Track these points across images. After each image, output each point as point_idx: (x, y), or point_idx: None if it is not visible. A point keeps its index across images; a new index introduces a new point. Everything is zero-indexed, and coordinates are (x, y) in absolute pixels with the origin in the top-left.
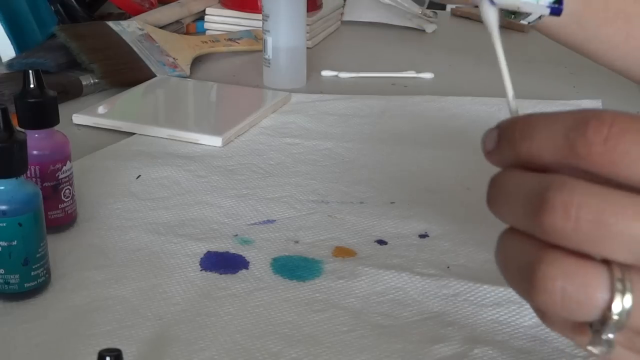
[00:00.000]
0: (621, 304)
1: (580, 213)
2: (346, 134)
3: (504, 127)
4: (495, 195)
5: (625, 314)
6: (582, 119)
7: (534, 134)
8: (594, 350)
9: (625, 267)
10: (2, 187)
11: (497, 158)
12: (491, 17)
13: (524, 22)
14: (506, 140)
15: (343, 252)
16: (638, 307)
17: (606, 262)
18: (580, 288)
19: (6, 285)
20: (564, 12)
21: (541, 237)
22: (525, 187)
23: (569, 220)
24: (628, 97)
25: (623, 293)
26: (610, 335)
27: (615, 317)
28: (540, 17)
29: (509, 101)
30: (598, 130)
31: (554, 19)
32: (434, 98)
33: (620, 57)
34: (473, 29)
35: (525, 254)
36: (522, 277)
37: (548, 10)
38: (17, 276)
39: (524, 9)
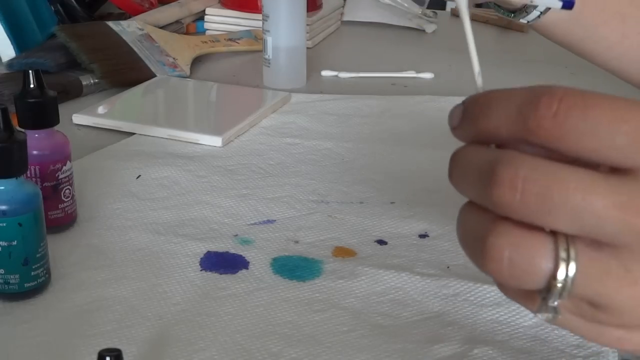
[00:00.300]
0: (565, 272)
1: (526, 186)
2: (346, 134)
3: (467, 103)
4: (454, 169)
5: (569, 281)
6: (535, 94)
7: (491, 109)
8: (541, 316)
9: (571, 237)
10: (2, 187)
11: (460, 134)
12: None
13: (523, 21)
14: (468, 117)
15: (343, 252)
16: (582, 275)
17: (553, 233)
18: (526, 257)
19: (6, 285)
20: (563, 11)
21: (493, 209)
22: (479, 161)
23: (516, 193)
24: (628, 97)
25: (567, 262)
26: (556, 302)
27: (559, 285)
28: (539, 16)
29: (475, 77)
30: (548, 105)
31: (552, 18)
32: (434, 98)
33: (615, 58)
34: (473, 29)
35: (479, 225)
36: (476, 247)
37: (560, 4)
38: (17, 276)
39: (538, 1)
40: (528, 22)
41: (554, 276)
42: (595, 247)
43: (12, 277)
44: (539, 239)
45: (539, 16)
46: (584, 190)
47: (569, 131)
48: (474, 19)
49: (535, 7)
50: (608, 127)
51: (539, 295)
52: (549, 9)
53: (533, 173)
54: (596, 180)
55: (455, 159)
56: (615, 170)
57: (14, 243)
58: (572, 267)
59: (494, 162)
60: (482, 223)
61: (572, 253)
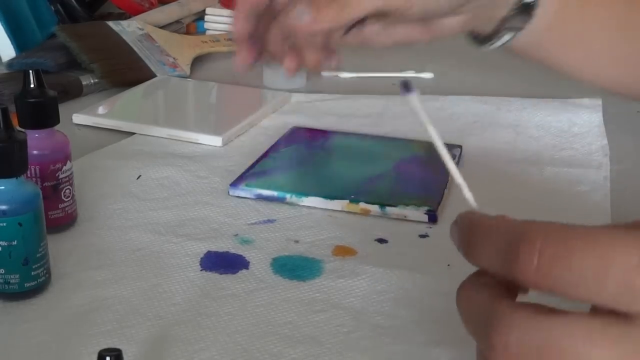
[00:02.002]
0: None
1: (521, 350)
2: None
3: (457, 235)
4: (460, 301)
5: None
6: (513, 242)
7: (478, 249)
8: None
9: None
10: (2, 187)
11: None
12: (414, 103)
13: (493, 47)
14: (462, 247)
15: (343, 252)
16: None
17: None
18: None
19: (6, 285)
20: (527, 37)
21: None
22: (476, 309)
23: (511, 358)
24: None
25: None
26: None
27: None
28: (510, 40)
29: (469, 202)
30: (529, 258)
31: (519, 43)
32: (434, 98)
33: (589, 75)
34: None
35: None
36: None
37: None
38: (17, 276)
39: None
40: (501, 45)
41: None
42: None
43: (12, 277)
44: None
45: (509, 40)
46: (580, 350)
47: (555, 282)
48: None
49: (508, 30)
50: (595, 276)
51: None
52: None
53: (526, 336)
54: (594, 332)
55: (458, 293)
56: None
57: (14, 243)
58: None
59: (488, 321)
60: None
61: None
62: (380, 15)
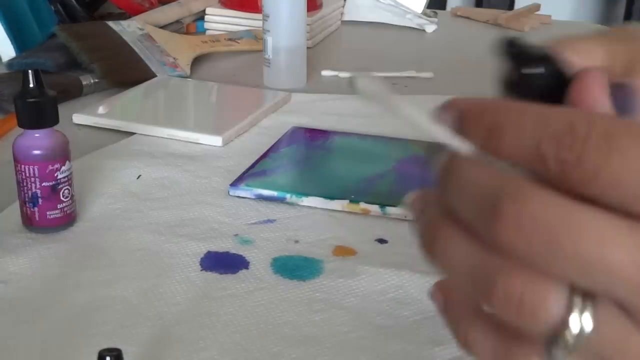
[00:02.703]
0: (579, 324)
1: (533, 228)
2: None
3: (467, 113)
4: (449, 183)
5: (582, 337)
6: (554, 131)
7: (502, 135)
8: None
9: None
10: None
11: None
12: (369, 87)
13: None
14: (472, 132)
15: (343, 251)
16: (597, 333)
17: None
18: (538, 299)
19: None
20: None
21: (492, 245)
22: (481, 185)
23: (520, 234)
24: None
25: (581, 312)
26: (561, 353)
27: (569, 338)
28: None
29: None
30: (571, 147)
31: None
32: (434, 98)
33: None
34: (473, 29)
35: (482, 256)
36: (477, 279)
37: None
38: None
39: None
40: None
41: (565, 325)
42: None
43: None
44: (553, 282)
45: None
46: (599, 241)
47: (606, 176)
48: (474, 18)
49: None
50: None
51: (543, 343)
52: None
53: (542, 212)
54: (617, 228)
55: (452, 170)
56: None
57: None
58: (588, 320)
59: (499, 192)
60: (487, 256)
61: (588, 305)
62: None
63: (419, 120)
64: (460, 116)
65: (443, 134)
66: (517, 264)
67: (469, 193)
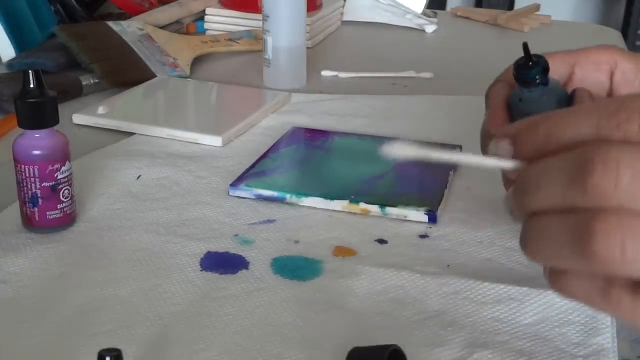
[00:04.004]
0: None
1: (621, 169)
2: None
3: (520, 132)
4: (527, 183)
5: None
6: (610, 112)
7: (562, 134)
8: None
9: None
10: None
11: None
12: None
13: None
14: (528, 145)
15: (343, 252)
16: None
17: None
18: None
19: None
20: None
21: (587, 202)
22: (560, 162)
23: (611, 176)
24: None
25: None
26: None
27: None
28: None
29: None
30: (606, 177)
31: None
32: (434, 98)
33: None
34: (473, 29)
35: (572, 222)
36: (573, 244)
37: None
38: None
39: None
40: None
41: None
42: None
43: None
44: None
45: None
46: None
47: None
48: (474, 18)
49: None
50: None
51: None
52: None
53: (626, 154)
54: None
55: (527, 175)
56: None
57: None
58: None
59: (581, 152)
60: (576, 219)
61: None
62: None
63: (465, 160)
64: (514, 139)
65: (493, 161)
66: (613, 212)
67: (551, 174)
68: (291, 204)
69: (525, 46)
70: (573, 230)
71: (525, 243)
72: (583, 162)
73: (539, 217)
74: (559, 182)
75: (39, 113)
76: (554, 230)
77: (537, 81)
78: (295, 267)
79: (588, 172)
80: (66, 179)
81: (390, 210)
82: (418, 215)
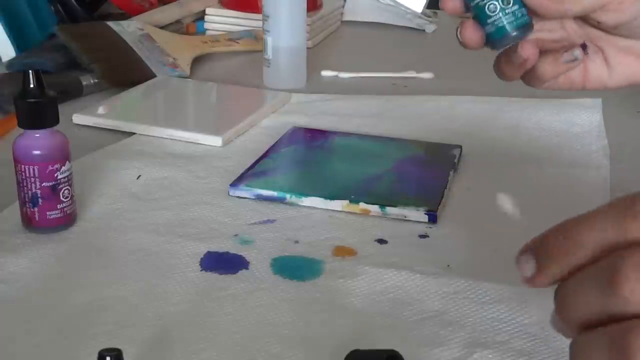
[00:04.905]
0: None
1: None
2: None
3: (537, 245)
4: (565, 297)
5: None
6: (615, 272)
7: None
8: None
9: None
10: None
11: (543, 280)
12: None
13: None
14: (548, 259)
15: (343, 252)
16: None
17: None
18: None
19: None
20: None
21: (623, 308)
22: (591, 274)
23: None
24: (628, 96)
25: None
26: None
27: None
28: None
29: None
30: (627, 285)
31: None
32: (434, 98)
33: None
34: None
35: (612, 334)
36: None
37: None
38: None
39: None
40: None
41: None
42: None
43: None
44: None
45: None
46: None
47: None
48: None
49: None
50: None
51: None
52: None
53: None
54: None
55: (561, 292)
56: None
57: None
58: None
59: (613, 262)
60: (615, 330)
61: None
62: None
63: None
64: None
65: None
66: None
67: (584, 285)
68: (291, 204)
69: None
70: (611, 345)
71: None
72: (615, 269)
73: (587, 333)
74: (595, 292)
75: (39, 113)
76: (595, 346)
77: None
78: (295, 267)
79: (622, 281)
80: (66, 179)
81: (391, 210)
82: (418, 215)
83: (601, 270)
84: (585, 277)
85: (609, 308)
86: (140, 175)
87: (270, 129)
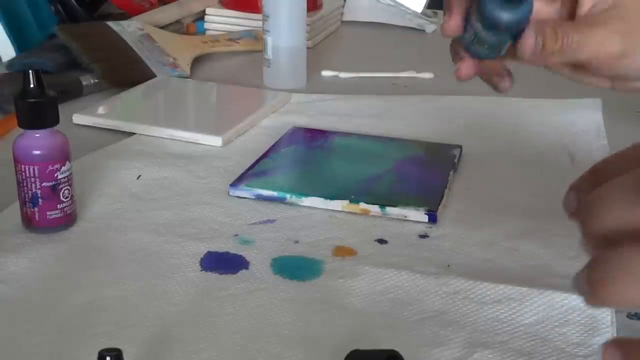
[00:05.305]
0: None
1: None
2: None
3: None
4: (589, 210)
5: None
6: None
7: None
8: None
9: None
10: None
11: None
12: None
13: None
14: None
15: (343, 252)
16: None
17: None
18: None
19: None
20: None
21: None
22: (618, 184)
23: None
24: (628, 96)
25: None
26: None
27: None
28: None
29: None
30: None
31: None
32: (434, 98)
33: None
34: None
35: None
36: None
37: None
38: None
39: None
40: None
41: None
42: None
43: None
44: None
45: None
46: None
47: None
48: None
49: None
50: None
51: None
52: None
53: None
54: None
55: (596, 194)
56: None
57: None
58: None
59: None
60: None
61: None
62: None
63: None
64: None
65: None
66: None
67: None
68: (291, 204)
69: None
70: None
71: (606, 282)
72: None
73: (616, 249)
74: (621, 203)
75: (39, 113)
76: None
77: None
78: (295, 267)
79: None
80: (66, 179)
81: (390, 210)
82: (418, 215)
83: (628, 180)
84: (612, 187)
85: (636, 218)
86: (140, 175)
87: (270, 129)
